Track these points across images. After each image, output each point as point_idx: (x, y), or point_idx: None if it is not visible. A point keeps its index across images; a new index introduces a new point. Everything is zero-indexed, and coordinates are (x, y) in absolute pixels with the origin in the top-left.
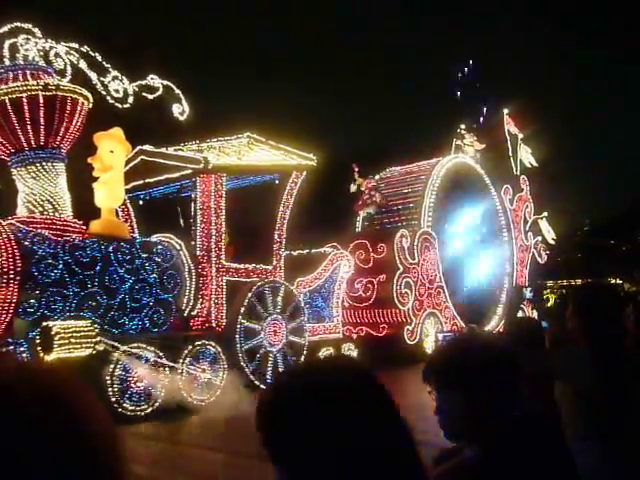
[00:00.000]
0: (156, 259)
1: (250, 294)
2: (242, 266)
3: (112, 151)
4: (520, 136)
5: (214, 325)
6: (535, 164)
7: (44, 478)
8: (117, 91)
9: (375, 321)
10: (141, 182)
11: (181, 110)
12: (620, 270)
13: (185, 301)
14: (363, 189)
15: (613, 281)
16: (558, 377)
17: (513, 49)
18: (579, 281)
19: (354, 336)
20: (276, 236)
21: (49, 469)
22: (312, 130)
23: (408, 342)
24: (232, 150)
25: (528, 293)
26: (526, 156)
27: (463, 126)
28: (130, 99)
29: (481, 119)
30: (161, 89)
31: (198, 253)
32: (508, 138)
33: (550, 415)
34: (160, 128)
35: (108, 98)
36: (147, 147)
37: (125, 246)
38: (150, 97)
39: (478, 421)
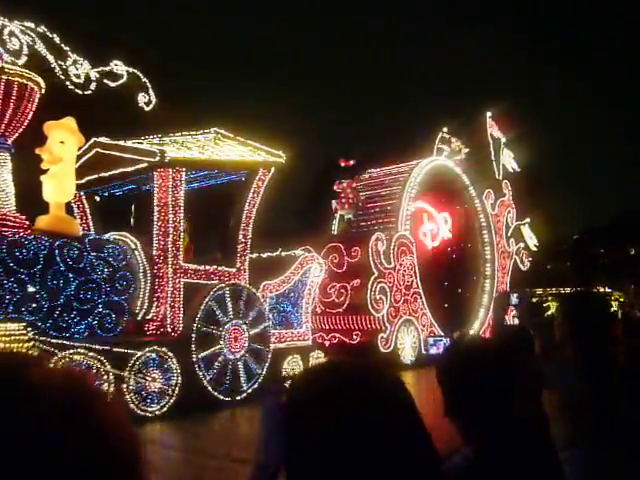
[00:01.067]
0: (107, 258)
1: (208, 297)
2: (202, 267)
3: (62, 142)
4: (503, 140)
5: (169, 330)
6: (517, 169)
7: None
8: (78, 76)
9: (348, 328)
10: (96, 177)
11: (147, 100)
12: (609, 279)
13: (139, 304)
14: (340, 191)
15: (602, 290)
16: (546, 384)
17: (497, 51)
18: (568, 289)
19: (326, 343)
20: (240, 237)
21: (79, 473)
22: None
23: (382, 350)
24: (195, 145)
25: (514, 299)
26: (508, 160)
27: (446, 129)
28: (92, 85)
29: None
30: (125, 77)
31: (154, 253)
32: (490, 142)
33: (540, 421)
34: (123, 119)
35: (67, 83)
36: (103, 139)
37: (72, 244)
38: (112, 85)
39: (472, 423)
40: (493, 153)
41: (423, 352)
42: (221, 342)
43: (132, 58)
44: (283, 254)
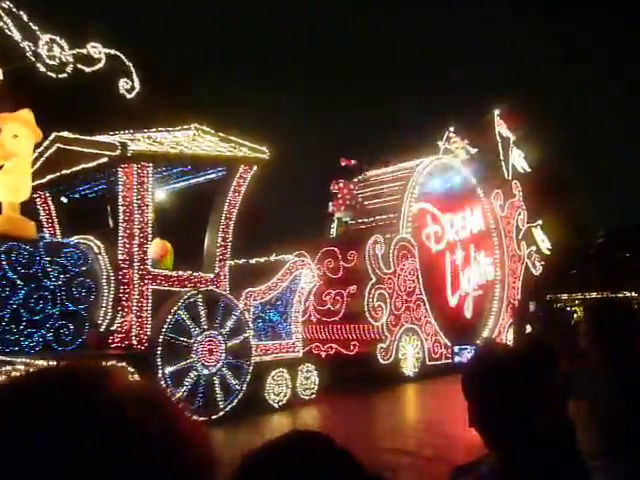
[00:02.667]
0: (64, 263)
1: (177, 306)
2: (174, 273)
3: (16, 136)
4: (512, 138)
5: (135, 343)
6: (528, 169)
7: None
8: (52, 58)
9: (345, 338)
10: (58, 175)
11: (129, 86)
12: (636, 283)
13: (102, 314)
14: (336, 191)
15: (628, 294)
16: (574, 395)
17: (511, 46)
18: (594, 294)
19: (322, 354)
20: (220, 239)
21: None
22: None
23: (382, 362)
24: (169, 140)
25: (532, 306)
26: (518, 160)
27: (452, 128)
28: (68, 68)
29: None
30: (103, 61)
31: (119, 257)
32: (499, 140)
33: (567, 433)
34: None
35: (39, 66)
36: (65, 133)
37: (23, 247)
38: (87, 70)
39: (497, 434)
40: (502, 152)
41: (428, 363)
42: (193, 355)
43: (114, 41)
44: (271, 259)
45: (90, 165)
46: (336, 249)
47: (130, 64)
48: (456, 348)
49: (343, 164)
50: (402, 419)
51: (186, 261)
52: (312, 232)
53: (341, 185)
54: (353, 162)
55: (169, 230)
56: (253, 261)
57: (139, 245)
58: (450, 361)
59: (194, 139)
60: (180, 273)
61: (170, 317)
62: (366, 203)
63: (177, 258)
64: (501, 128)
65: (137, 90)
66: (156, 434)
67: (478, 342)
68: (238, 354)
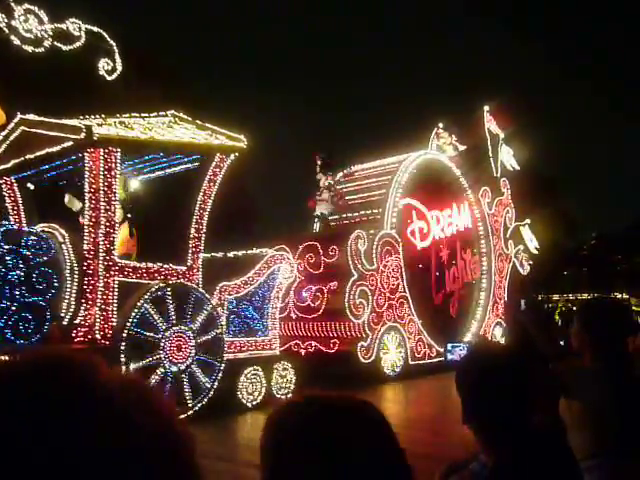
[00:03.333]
0: (24, 253)
1: (143, 299)
2: (142, 265)
3: None
4: (502, 136)
5: (98, 337)
6: (517, 167)
7: None
8: (29, 31)
9: (326, 335)
10: (22, 159)
11: (110, 67)
12: (627, 285)
13: (65, 306)
14: (320, 187)
15: (620, 296)
16: (566, 394)
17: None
18: (585, 295)
19: (302, 352)
20: (193, 230)
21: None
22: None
23: (362, 361)
24: (142, 126)
25: (522, 305)
26: (507, 158)
27: (441, 125)
28: (46, 43)
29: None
30: (83, 38)
31: (84, 247)
32: (488, 137)
33: (558, 431)
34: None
35: (13, 38)
36: (30, 116)
37: None
38: (65, 48)
39: (489, 431)
40: (491, 149)
41: (410, 362)
42: (160, 352)
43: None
44: (249, 253)
45: (55, 149)
46: (317, 244)
47: (113, 43)
48: (449, 346)
49: (319, 161)
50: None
51: (159, 253)
52: (301, 228)
53: (321, 180)
54: (327, 157)
55: (143, 220)
56: (231, 254)
57: (105, 235)
58: (441, 359)
59: (169, 126)
60: (149, 265)
61: (135, 311)
62: (350, 198)
63: (151, 249)
64: (491, 124)
65: (118, 72)
66: (141, 420)
67: (470, 340)
68: (209, 351)
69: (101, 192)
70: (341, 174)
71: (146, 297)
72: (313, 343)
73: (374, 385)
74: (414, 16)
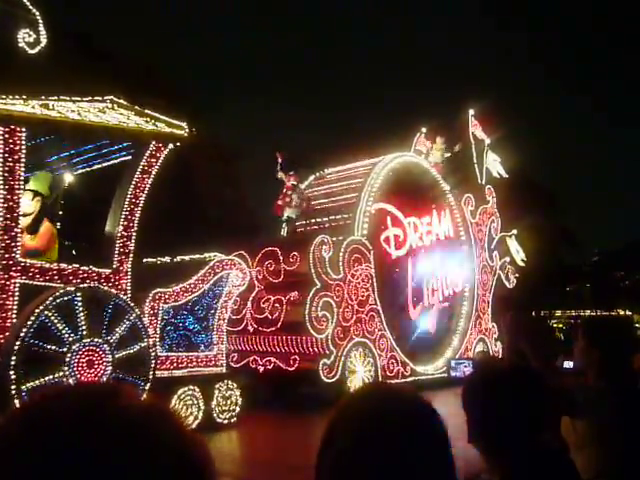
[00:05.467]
0: None
1: (43, 306)
2: (54, 266)
3: None
4: (487, 141)
5: None
6: (504, 174)
7: None
8: None
9: (286, 351)
10: None
11: (33, 39)
12: (630, 302)
13: None
14: (285, 189)
15: (622, 312)
16: (570, 413)
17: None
18: (588, 312)
19: (260, 369)
20: (121, 228)
21: None
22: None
23: (325, 380)
24: (70, 110)
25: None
26: (494, 165)
27: (424, 130)
28: None
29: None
30: None
31: None
32: (473, 142)
33: (563, 449)
34: None
35: None
36: None
37: None
38: None
39: (498, 450)
40: (475, 155)
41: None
42: (65, 368)
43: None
44: (194, 257)
45: None
46: (278, 250)
47: (36, 12)
48: (452, 362)
49: (279, 160)
50: None
51: (90, 254)
52: (269, 234)
53: (292, 183)
54: (284, 154)
55: (72, 218)
56: (178, 259)
57: (5, 229)
58: (417, 378)
59: (102, 111)
60: (62, 266)
61: (32, 319)
62: (320, 202)
63: (80, 250)
64: (476, 129)
65: (43, 44)
66: (165, 447)
67: (475, 356)
68: (131, 368)
69: (0, 179)
70: (312, 177)
71: (48, 303)
72: (272, 359)
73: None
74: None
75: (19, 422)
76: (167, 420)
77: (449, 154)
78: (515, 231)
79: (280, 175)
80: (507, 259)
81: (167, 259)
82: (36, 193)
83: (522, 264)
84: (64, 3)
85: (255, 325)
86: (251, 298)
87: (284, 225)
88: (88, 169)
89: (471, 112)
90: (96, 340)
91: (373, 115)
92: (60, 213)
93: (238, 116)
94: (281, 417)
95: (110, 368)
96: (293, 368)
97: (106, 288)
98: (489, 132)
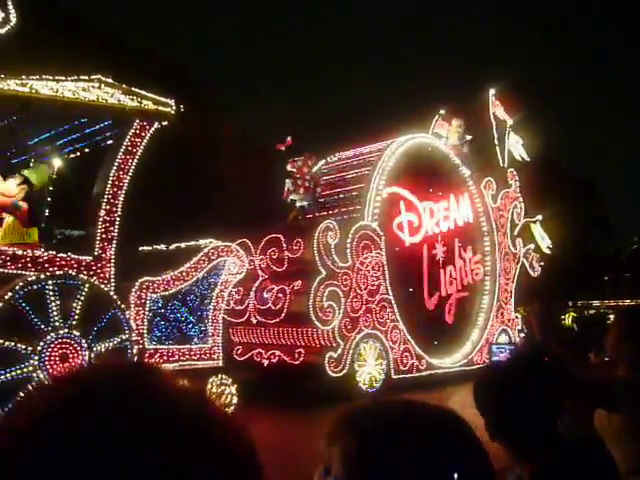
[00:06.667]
0: None
1: (9, 296)
2: (27, 252)
3: None
4: (509, 122)
5: None
6: (527, 158)
7: None
8: None
9: (291, 344)
10: None
11: (2, 18)
12: None
13: None
14: (295, 170)
15: None
16: (605, 405)
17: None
18: (627, 302)
19: (265, 362)
20: (103, 213)
21: None
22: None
23: (332, 374)
24: (48, 88)
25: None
26: (516, 147)
27: (443, 111)
28: None
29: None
30: None
31: None
32: (494, 124)
33: (597, 440)
34: None
35: None
36: None
37: None
38: None
39: (519, 445)
40: (497, 137)
41: (394, 376)
42: (33, 362)
43: None
44: (190, 245)
45: None
46: (281, 236)
47: None
48: (494, 347)
49: (282, 148)
50: None
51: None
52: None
53: (299, 164)
54: (289, 139)
55: (61, 205)
56: (173, 247)
57: None
58: (432, 372)
59: (85, 90)
60: (37, 253)
61: None
62: (329, 187)
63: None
64: (497, 110)
65: (13, 23)
66: (209, 433)
67: (517, 341)
68: (112, 362)
69: None
70: (322, 162)
71: (14, 293)
72: (277, 352)
73: (347, 403)
74: None
75: (56, 409)
76: (211, 406)
77: (469, 137)
78: (540, 217)
79: (297, 159)
80: (532, 246)
81: (163, 247)
82: (25, 181)
83: (548, 251)
84: None
85: (258, 316)
86: (254, 288)
87: (294, 212)
88: (78, 153)
89: (492, 92)
90: (71, 332)
91: (391, 98)
92: (49, 200)
93: (269, 113)
94: (283, 414)
95: (86, 362)
96: (298, 362)
97: (83, 276)
98: (511, 113)
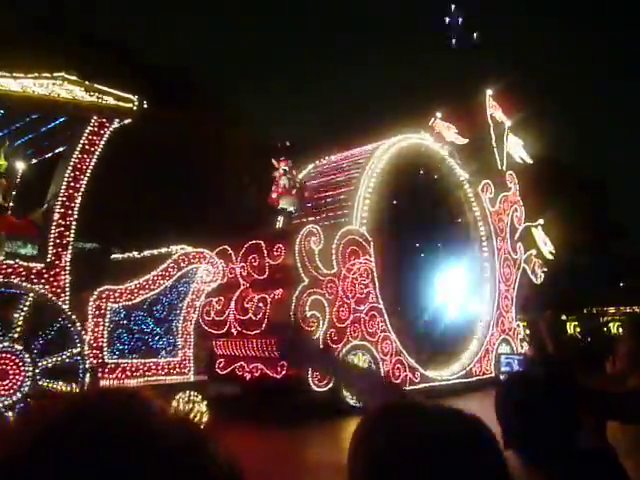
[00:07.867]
0: None
1: None
2: None
3: None
4: (508, 124)
5: None
6: (528, 160)
7: None
8: None
9: (272, 356)
10: None
11: None
12: None
13: None
14: (276, 176)
15: None
16: (617, 418)
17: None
18: None
19: (247, 376)
20: (57, 216)
21: None
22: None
23: (316, 388)
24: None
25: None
26: (516, 149)
27: (439, 115)
28: None
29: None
30: None
31: None
32: (491, 125)
33: (610, 451)
34: None
35: None
36: None
37: None
38: None
39: (538, 454)
40: (494, 139)
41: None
42: None
43: None
44: (162, 252)
45: None
46: (262, 243)
47: None
48: (502, 357)
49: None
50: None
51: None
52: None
53: (290, 164)
54: (287, 143)
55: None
56: (147, 253)
57: None
58: (427, 384)
59: (42, 86)
60: None
61: None
62: (317, 191)
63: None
64: (495, 111)
65: None
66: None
67: (526, 351)
68: (62, 378)
69: None
70: (311, 165)
71: None
72: (259, 366)
73: (333, 419)
74: None
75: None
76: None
77: (465, 141)
78: (541, 221)
79: (277, 163)
80: (533, 252)
81: (135, 254)
82: None
83: (550, 257)
84: None
85: (239, 327)
86: (235, 297)
87: (278, 218)
88: (46, 156)
89: (489, 92)
90: (11, 346)
91: (390, 98)
92: (11, 205)
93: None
94: (264, 430)
95: (29, 380)
96: (280, 375)
97: (27, 284)
98: (510, 114)
